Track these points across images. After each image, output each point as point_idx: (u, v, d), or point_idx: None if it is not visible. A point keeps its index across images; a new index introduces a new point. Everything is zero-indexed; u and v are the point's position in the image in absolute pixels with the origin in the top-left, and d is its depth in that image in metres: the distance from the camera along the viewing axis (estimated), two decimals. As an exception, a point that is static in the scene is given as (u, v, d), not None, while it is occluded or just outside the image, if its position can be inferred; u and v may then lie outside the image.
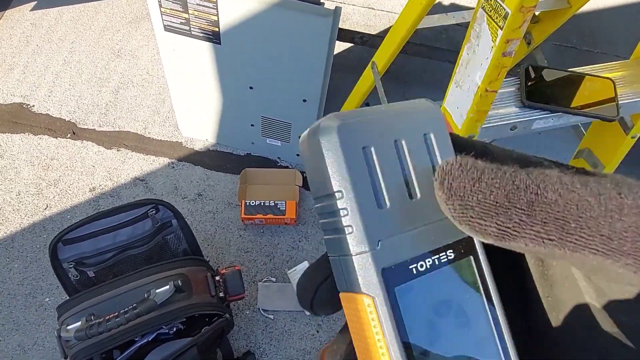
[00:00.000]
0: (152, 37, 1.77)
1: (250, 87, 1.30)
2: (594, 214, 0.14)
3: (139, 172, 1.50)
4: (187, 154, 1.55)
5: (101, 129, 1.58)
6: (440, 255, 0.18)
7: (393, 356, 0.16)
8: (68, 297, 1.04)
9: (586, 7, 1.15)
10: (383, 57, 1.14)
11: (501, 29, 0.63)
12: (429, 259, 0.18)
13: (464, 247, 0.19)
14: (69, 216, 1.42)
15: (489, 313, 0.19)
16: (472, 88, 0.74)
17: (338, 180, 0.16)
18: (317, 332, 1.29)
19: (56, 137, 1.55)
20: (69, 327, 0.87)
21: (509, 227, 0.15)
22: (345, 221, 0.16)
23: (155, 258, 1.14)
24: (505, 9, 0.60)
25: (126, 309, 0.87)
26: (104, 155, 1.53)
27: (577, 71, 0.92)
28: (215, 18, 1.12)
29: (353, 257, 0.17)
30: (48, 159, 1.51)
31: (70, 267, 1.06)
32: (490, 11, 0.63)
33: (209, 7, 1.10)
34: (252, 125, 1.44)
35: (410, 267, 0.17)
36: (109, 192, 1.46)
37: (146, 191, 1.47)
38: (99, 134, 1.57)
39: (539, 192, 0.15)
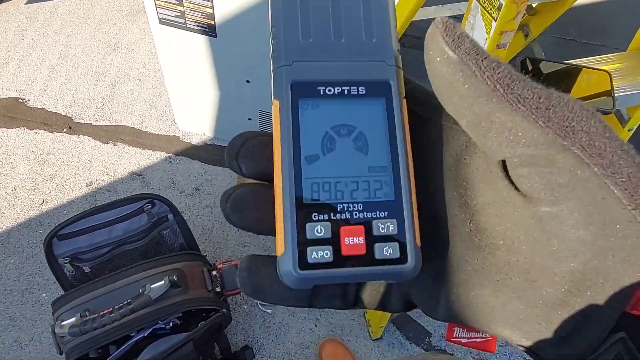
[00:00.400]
0: (148, 31, 1.76)
1: (247, 81, 1.29)
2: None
3: (136, 166, 1.49)
4: (185, 148, 1.54)
5: (97, 123, 1.57)
6: (352, 87, 0.21)
7: (282, 148, 0.20)
8: (64, 292, 1.04)
9: (584, 0, 1.13)
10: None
11: (495, 20, 0.62)
12: (339, 88, 0.21)
13: (379, 89, 0.21)
14: (65, 211, 1.41)
15: (388, 150, 0.21)
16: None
17: (274, 16, 0.21)
18: (316, 326, 1.29)
19: (52, 132, 1.54)
20: (63, 323, 0.87)
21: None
22: (274, 45, 0.21)
23: (152, 253, 1.14)
24: (499, 0, 0.59)
25: (121, 305, 0.87)
26: (101, 149, 1.52)
27: (574, 64, 0.91)
28: (210, 11, 1.11)
29: (274, 71, 0.21)
30: (44, 154, 1.50)
31: (66, 263, 1.05)
32: (484, 2, 0.62)
33: (203, -1, 1.09)
34: (250, 119, 1.43)
35: (319, 88, 0.21)
36: (105, 186, 1.46)
37: (143, 186, 1.46)
38: (95, 129, 1.56)
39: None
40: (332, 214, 0.20)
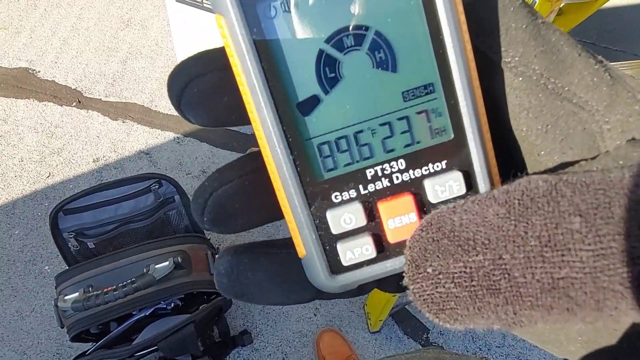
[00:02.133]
0: (162, 8, 1.73)
1: (260, 65, 1.28)
2: None
3: (143, 145, 1.49)
4: (193, 129, 1.53)
5: (107, 99, 1.56)
6: None
7: (255, 103, 0.12)
8: (67, 267, 1.04)
9: (609, 3, 1.11)
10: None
11: (526, 18, 0.61)
12: None
13: None
14: (71, 185, 1.41)
15: (432, 55, 0.12)
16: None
17: None
18: (315, 315, 1.29)
19: (61, 105, 1.53)
20: (66, 298, 0.87)
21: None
22: None
23: (157, 233, 1.14)
24: (532, -2, 0.58)
25: (124, 283, 0.87)
26: (109, 126, 1.51)
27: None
28: (228, -9, 1.09)
29: None
30: (52, 127, 1.49)
31: (71, 237, 1.05)
32: (517, -1, 0.61)
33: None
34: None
35: None
36: (112, 163, 1.45)
37: (150, 165, 1.46)
38: (104, 104, 1.55)
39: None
40: (360, 186, 0.13)
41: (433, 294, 0.13)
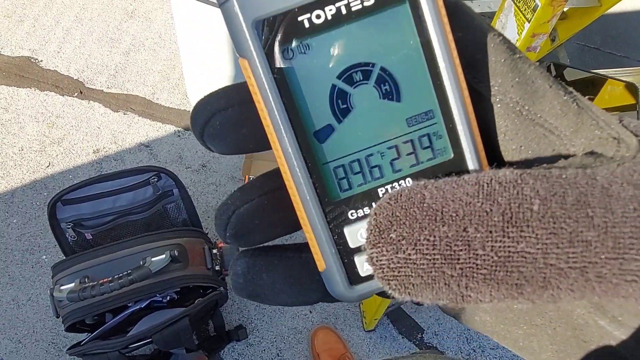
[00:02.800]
0: (167, 0, 1.73)
1: (263, 61, 1.27)
2: None
3: (144, 137, 1.49)
4: (194, 123, 1.53)
5: (109, 90, 1.56)
6: (351, 0, 0.13)
7: (277, 133, 0.14)
8: (65, 257, 1.05)
9: (614, 9, 1.11)
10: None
11: (528, 22, 0.60)
12: (330, 7, 0.13)
13: None
14: (70, 176, 1.41)
15: (430, 84, 0.14)
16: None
17: None
18: (310, 312, 1.30)
19: (63, 95, 1.53)
20: (62, 288, 0.87)
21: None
22: None
23: (154, 226, 1.14)
24: (535, 1, 0.58)
25: (120, 275, 0.87)
26: (110, 117, 1.51)
27: (600, 73, 0.89)
28: (232, -14, 1.09)
29: (221, 8, 0.14)
30: (53, 117, 1.49)
31: (69, 228, 1.05)
32: (519, 2, 0.60)
33: (227, -27, 1.06)
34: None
35: (301, 18, 0.13)
36: (112, 155, 1.45)
37: (150, 157, 1.46)
38: (106, 96, 1.55)
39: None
40: (374, 203, 0.15)
41: (392, 258, 0.14)
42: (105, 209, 1.08)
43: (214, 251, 1.07)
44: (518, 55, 0.16)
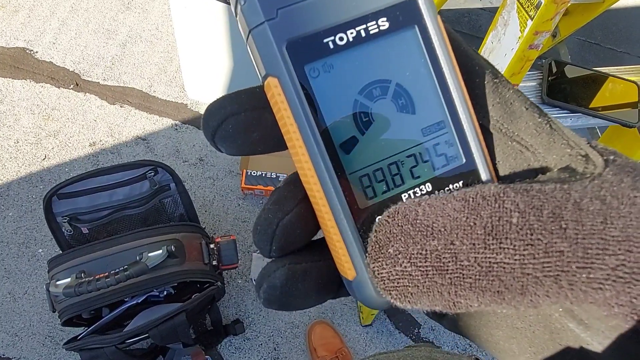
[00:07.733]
0: (164, -8, 1.71)
1: (261, 54, 1.26)
2: None
3: (141, 130, 1.47)
4: (192, 117, 1.52)
5: (105, 82, 1.54)
6: (369, 24, 0.15)
7: (307, 145, 0.15)
8: (61, 251, 1.04)
9: (615, 4, 1.10)
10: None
11: (531, 19, 0.59)
12: (351, 30, 0.15)
13: (405, 15, 0.15)
14: (67, 169, 1.40)
15: (440, 97, 0.16)
16: (492, 79, 0.70)
17: None
18: (307, 307, 1.30)
19: (58, 87, 1.51)
20: (58, 283, 0.87)
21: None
22: None
23: (151, 220, 1.13)
24: (538, -2, 0.57)
25: (117, 270, 0.86)
26: (107, 110, 1.50)
27: (602, 71, 0.88)
28: (230, -22, 1.07)
29: (251, 34, 0.15)
30: (49, 109, 1.48)
31: (64, 222, 1.05)
32: (523, -1, 0.59)
33: (225, -35, 1.05)
34: (260, 93, 1.40)
35: (326, 40, 0.15)
36: (109, 148, 1.44)
37: (147, 151, 1.45)
38: (102, 88, 1.53)
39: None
40: None
41: (390, 271, 0.15)
42: (102, 203, 1.07)
43: (211, 246, 1.06)
44: (499, 80, 0.18)
